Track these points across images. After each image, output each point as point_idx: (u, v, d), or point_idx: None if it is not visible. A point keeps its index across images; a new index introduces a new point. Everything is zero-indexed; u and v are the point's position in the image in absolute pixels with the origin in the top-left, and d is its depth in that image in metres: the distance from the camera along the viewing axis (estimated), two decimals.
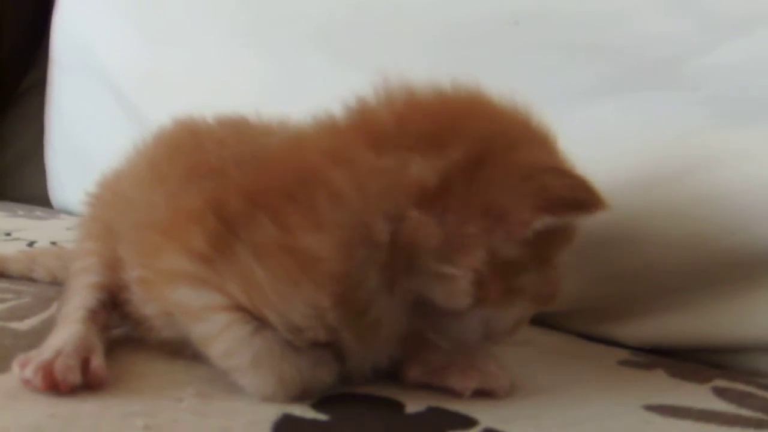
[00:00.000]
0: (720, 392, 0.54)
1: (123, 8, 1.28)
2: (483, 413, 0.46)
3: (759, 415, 0.50)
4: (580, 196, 0.46)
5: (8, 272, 0.77)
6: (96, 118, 1.31)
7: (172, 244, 0.49)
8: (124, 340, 0.57)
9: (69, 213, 1.37)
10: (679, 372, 0.60)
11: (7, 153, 1.74)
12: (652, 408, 0.50)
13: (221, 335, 0.47)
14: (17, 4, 1.65)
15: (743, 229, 0.60)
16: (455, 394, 0.49)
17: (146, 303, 0.52)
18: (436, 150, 0.45)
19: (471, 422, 0.45)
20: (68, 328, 0.51)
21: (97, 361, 0.48)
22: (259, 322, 0.46)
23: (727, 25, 0.61)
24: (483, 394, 0.49)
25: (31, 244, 0.99)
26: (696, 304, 0.64)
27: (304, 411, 0.45)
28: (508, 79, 0.70)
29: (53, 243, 0.99)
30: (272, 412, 0.45)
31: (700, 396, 0.54)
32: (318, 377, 0.47)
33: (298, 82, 0.91)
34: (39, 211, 1.43)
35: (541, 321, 0.74)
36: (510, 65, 0.72)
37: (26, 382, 0.45)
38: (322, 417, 0.45)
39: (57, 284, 0.75)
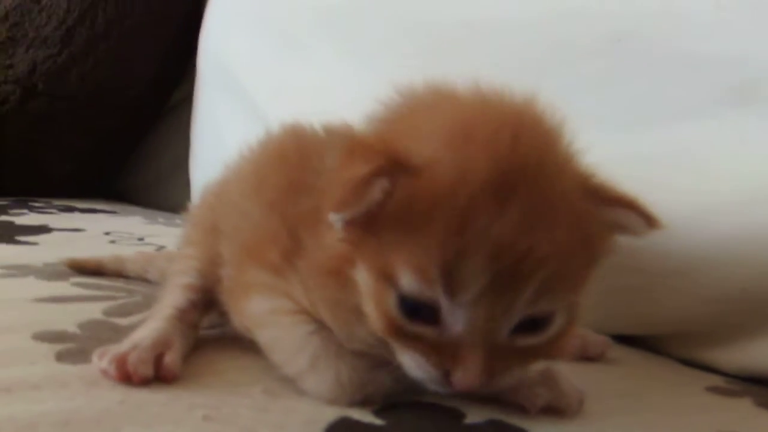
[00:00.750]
0: None
1: (259, 27, 1.33)
2: (542, 429, 0.46)
3: None
4: None
5: (125, 272, 0.83)
6: (234, 131, 1.37)
7: (252, 260, 0.54)
8: (217, 339, 0.60)
9: None
10: (765, 402, 0.57)
11: (158, 164, 1.85)
12: None
13: (284, 337, 0.49)
14: (166, 21, 1.75)
15: None
16: (522, 410, 0.49)
17: (230, 315, 0.56)
18: None
19: None
20: (152, 325, 0.55)
21: (171, 357, 0.50)
22: (319, 323, 0.48)
23: None
24: (551, 411, 0.48)
25: (159, 249, 1.05)
26: None
27: (363, 415, 0.46)
28: (610, 98, 0.71)
29: None
30: (331, 414, 0.46)
31: None
32: (378, 381, 0.48)
33: None
34: (179, 220, 1.51)
35: (639, 343, 0.71)
36: (614, 83, 0.71)
37: (103, 372, 0.49)
38: (378, 422, 0.45)
39: None
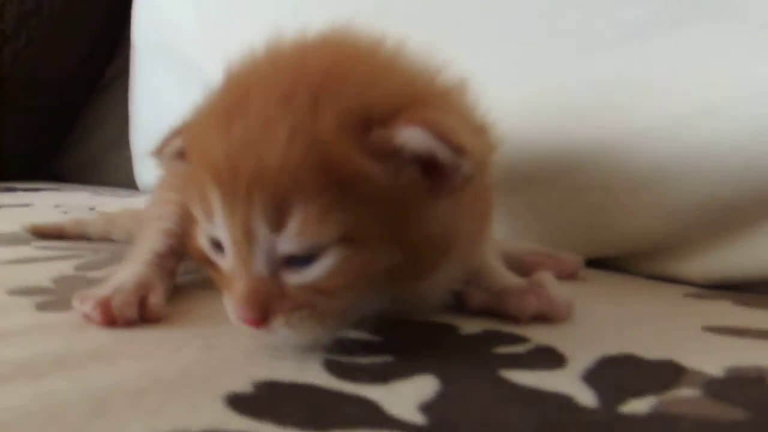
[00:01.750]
0: None
1: None
2: (536, 333, 0.47)
3: None
4: None
5: (88, 235, 0.81)
6: (178, 100, 1.35)
7: None
8: (193, 285, 0.60)
9: None
10: (744, 301, 0.59)
11: (93, 142, 1.81)
12: (710, 329, 0.49)
13: None
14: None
15: None
16: (513, 320, 0.50)
17: None
18: None
19: (522, 339, 0.46)
20: (132, 269, 0.54)
21: (155, 299, 0.50)
22: None
23: None
24: (541, 319, 0.49)
25: None
26: (762, 234, 0.62)
27: (360, 334, 0.46)
28: (559, 22, 0.71)
29: None
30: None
31: (763, 319, 0.53)
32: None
33: None
34: (124, 192, 1.49)
35: (602, 265, 0.73)
36: (558, 6, 0.72)
37: (86, 317, 0.48)
38: (376, 339, 0.46)
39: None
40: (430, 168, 0.39)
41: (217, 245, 0.43)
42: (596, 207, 0.69)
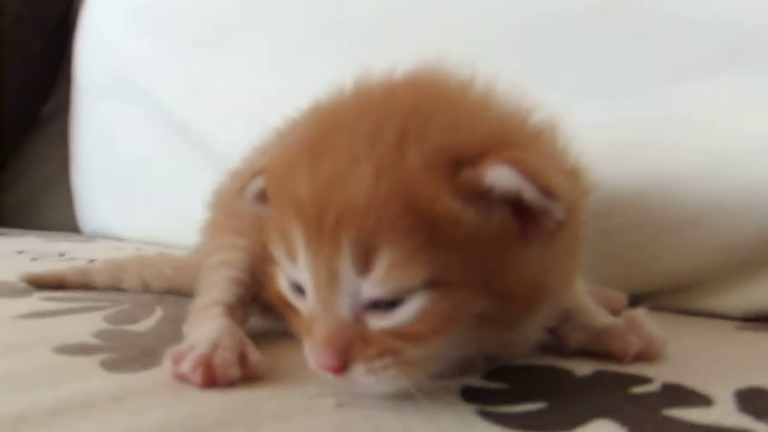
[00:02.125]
0: None
1: (152, 26, 1.28)
2: (654, 372, 0.46)
3: None
4: None
5: (93, 283, 0.76)
6: (131, 136, 1.31)
7: None
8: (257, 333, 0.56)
9: (105, 237, 1.36)
10: None
11: (30, 181, 1.71)
12: None
13: None
14: (34, 32, 1.63)
15: None
16: (615, 359, 0.49)
17: None
18: None
19: (646, 379, 0.45)
20: (213, 322, 0.50)
21: (255, 355, 0.47)
22: None
23: None
24: (641, 357, 0.49)
25: (91, 261, 0.97)
26: None
27: (481, 383, 0.45)
28: (602, 64, 0.73)
29: None
30: (451, 384, 0.44)
31: None
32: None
33: None
34: (76, 236, 1.41)
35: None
36: (602, 51, 0.73)
37: (179, 377, 0.44)
38: (502, 385, 0.44)
39: (150, 292, 0.75)
40: (521, 212, 0.38)
41: (298, 288, 0.42)
42: (634, 245, 0.70)
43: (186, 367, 0.44)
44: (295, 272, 0.41)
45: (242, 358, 0.46)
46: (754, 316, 0.67)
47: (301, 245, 0.39)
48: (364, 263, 0.37)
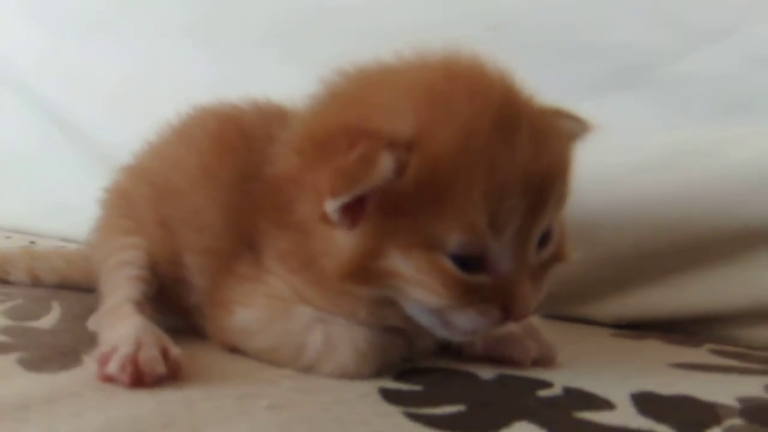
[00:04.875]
0: (718, 353, 0.62)
1: (31, 11, 1.25)
2: (551, 376, 0.51)
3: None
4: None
5: None
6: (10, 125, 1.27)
7: (224, 275, 0.54)
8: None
9: None
10: (671, 340, 0.66)
11: None
12: (677, 366, 0.56)
13: (284, 333, 0.50)
14: None
15: (717, 214, 0.67)
16: (514, 364, 0.53)
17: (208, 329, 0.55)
18: None
19: (547, 384, 0.49)
20: (129, 320, 0.50)
21: (175, 350, 0.47)
22: (313, 308, 0.50)
23: (706, 31, 0.69)
24: (538, 362, 0.53)
25: None
26: (672, 279, 0.71)
27: (396, 385, 0.47)
28: None
29: None
30: (369, 386, 0.47)
31: (704, 356, 0.60)
32: (395, 344, 0.50)
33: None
34: None
35: None
36: None
37: (107, 378, 0.44)
38: (416, 387, 0.47)
39: (39, 286, 0.74)
40: None
41: (469, 262, 0.44)
42: None
43: (113, 367, 0.44)
44: (486, 243, 0.44)
45: (164, 354, 0.46)
46: (625, 324, 0.73)
47: (517, 214, 0.44)
48: (554, 211, 0.47)
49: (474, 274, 0.45)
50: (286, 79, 0.86)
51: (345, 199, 0.43)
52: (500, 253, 0.45)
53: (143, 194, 0.60)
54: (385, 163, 0.42)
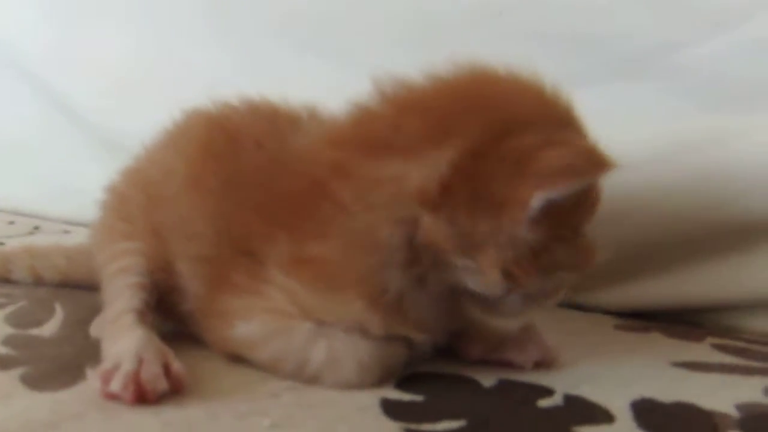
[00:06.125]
0: (720, 348, 0.61)
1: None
2: (552, 381, 0.51)
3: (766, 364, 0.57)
4: (575, 163, 0.46)
5: None
6: (21, 112, 1.27)
7: (220, 287, 0.53)
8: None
9: None
10: (674, 333, 0.66)
11: None
12: (678, 365, 0.56)
13: (287, 346, 0.50)
14: None
15: (719, 205, 0.67)
16: (516, 368, 0.53)
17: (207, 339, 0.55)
18: (432, 150, 0.46)
19: (548, 391, 0.49)
20: (131, 334, 0.50)
21: (177, 365, 0.47)
22: (313, 321, 0.49)
23: (709, 20, 0.68)
24: (539, 365, 0.54)
25: None
26: (675, 270, 0.71)
27: (398, 394, 0.48)
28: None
29: None
30: (370, 397, 0.47)
31: (706, 353, 0.60)
32: (397, 352, 0.50)
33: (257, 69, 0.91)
34: None
35: None
36: (494, 56, 0.76)
37: (110, 396, 0.45)
38: (417, 398, 0.47)
39: (42, 284, 0.74)
40: None
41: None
42: None
43: (116, 386, 0.44)
44: None
45: (165, 369, 0.47)
46: (629, 311, 0.73)
47: None
48: None
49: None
50: (301, 68, 0.87)
51: (563, 191, 0.45)
52: None
53: (137, 201, 0.60)
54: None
